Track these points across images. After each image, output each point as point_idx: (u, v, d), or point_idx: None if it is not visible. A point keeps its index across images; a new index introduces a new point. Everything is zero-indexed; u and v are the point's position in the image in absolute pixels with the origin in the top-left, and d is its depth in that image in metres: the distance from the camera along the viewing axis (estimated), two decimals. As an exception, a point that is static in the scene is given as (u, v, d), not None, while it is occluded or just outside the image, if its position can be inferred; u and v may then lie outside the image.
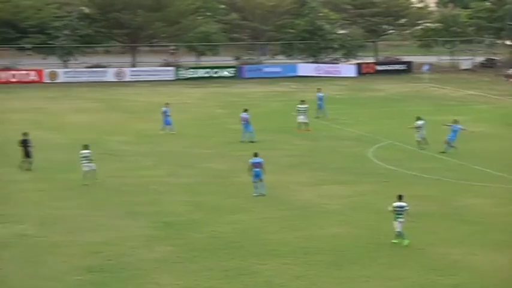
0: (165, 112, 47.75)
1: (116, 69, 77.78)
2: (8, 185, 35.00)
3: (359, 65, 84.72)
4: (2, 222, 29.35)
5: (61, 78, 75.20)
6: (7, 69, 75.96)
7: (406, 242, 26.80)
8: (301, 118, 48.71)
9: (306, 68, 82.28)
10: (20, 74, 74.88)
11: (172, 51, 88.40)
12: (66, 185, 35.12)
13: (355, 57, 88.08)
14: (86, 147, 35.71)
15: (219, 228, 28.78)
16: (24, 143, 38.16)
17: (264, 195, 32.98)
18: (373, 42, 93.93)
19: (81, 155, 35.39)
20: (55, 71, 76.11)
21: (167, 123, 47.61)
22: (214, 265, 24.96)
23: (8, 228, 28.60)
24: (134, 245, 26.79)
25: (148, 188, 34.75)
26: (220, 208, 31.51)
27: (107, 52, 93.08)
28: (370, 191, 34.14)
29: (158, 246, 26.71)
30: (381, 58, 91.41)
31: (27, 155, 37.96)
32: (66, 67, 79.46)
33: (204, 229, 28.68)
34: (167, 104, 48.81)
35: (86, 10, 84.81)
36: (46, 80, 74.61)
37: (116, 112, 56.89)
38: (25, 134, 38.81)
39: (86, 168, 35.19)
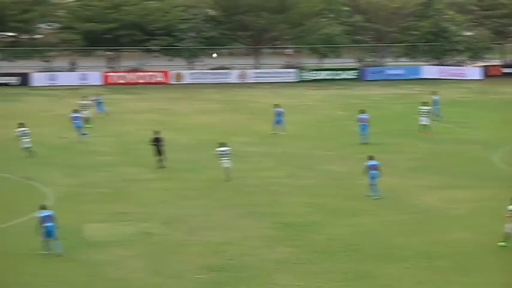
0: (278, 113, 48.16)
1: (239, 70, 78.72)
2: (135, 184, 35.93)
3: (485, 67, 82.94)
4: (128, 220, 30.20)
5: (186, 80, 76.59)
6: (134, 70, 77.96)
7: (504, 243, 26.29)
8: (423, 120, 48.17)
9: (429, 71, 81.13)
10: (147, 75, 76.75)
11: (289, 53, 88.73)
12: (191, 184, 35.83)
13: (481, 59, 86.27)
14: (223, 144, 36.54)
15: (339, 231, 28.79)
16: (156, 141, 39.18)
17: (376, 197, 32.87)
18: (500, 44, 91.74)
19: (220, 152, 36.25)
20: (180, 73, 77.60)
21: (278, 122, 48.01)
22: (334, 267, 25.00)
23: (134, 226, 29.39)
24: (255, 245, 27.10)
25: (269, 189, 35.06)
26: (340, 210, 31.50)
27: (231, 54, 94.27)
28: (494, 196, 33.33)
29: (278, 247, 26.93)
30: (508, 60, 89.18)
31: (159, 152, 38.97)
32: (191, 69, 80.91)
33: (324, 231, 28.75)
34: (277, 105, 49.10)
35: (212, 12, 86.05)
36: (172, 81, 76.17)
37: (239, 113, 57.56)
38: (157, 132, 39.83)
39: (226, 165, 36.06)
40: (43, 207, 26.56)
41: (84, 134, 45.52)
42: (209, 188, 35.14)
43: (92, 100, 53.81)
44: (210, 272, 24.64)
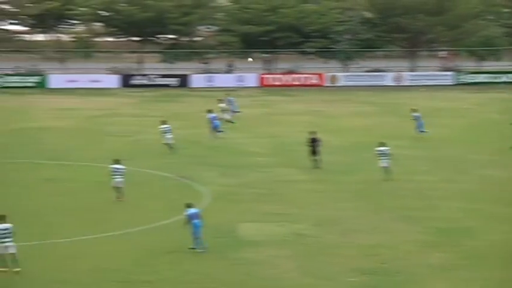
0: (416, 117, 47.55)
1: (394, 73, 78.02)
2: (289, 185, 36.23)
3: None
4: (281, 221, 30.47)
5: (341, 82, 76.62)
6: (290, 72, 78.70)
7: None
8: None
9: None
10: (302, 77, 77.23)
11: (443, 55, 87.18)
12: (344, 186, 35.84)
13: None
14: (383, 144, 36.87)
15: (496, 237, 28.08)
16: (313, 141, 39.50)
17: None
18: None
19: (379, 152, 36.70)
20: (335, 75, 77.67)
21: (419, 126, 47.45)
22: (490, 274, 24.40)
23: (286, 227, 29.65)
24: (408, 250, 26.82)
25: (423, 193, 34.62)
26: (497, 216, 30.70)
27: (386, 56, 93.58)
28: None
29: (432, 252, 26.53)
30: None
31: (314, 153, 39.23)
32: (346, 71, 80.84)
33: (480, 237, 28.11)
34: (415, 109, 48.40)
35: (367, 15, 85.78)
36: (327, 83, 76.38)
37: (393, 116, 57.06)
38: (313, 132, 40.16)
39: (384, 165, 36.33)
40: (189, 205, 27.23)
41: (220, 131, 46.94)
42: (362, 190, 35.06)
43: (225, 100, 54.45)
44: (362, 275, 24.56)
